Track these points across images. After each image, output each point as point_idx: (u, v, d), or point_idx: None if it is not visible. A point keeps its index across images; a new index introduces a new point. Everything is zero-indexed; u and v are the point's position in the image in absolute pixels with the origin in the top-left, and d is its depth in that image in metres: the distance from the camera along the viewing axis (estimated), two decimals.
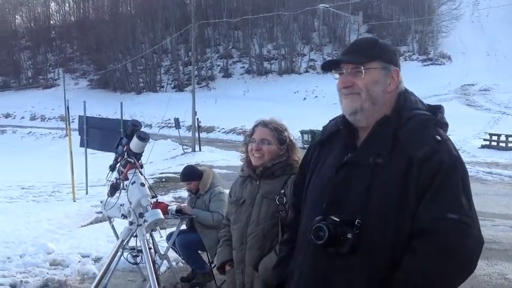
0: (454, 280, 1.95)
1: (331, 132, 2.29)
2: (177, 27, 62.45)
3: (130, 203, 4.21)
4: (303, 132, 27.90)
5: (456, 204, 1.91)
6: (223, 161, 20.71)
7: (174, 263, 6.77)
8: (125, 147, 4.26)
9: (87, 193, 14.55)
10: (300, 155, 3.09)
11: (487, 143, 25.12)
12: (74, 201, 13.24)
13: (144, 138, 4.20)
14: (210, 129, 41.08)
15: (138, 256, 4.70)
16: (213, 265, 5.79)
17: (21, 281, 6.10)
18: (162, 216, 4.23)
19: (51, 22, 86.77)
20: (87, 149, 14.41)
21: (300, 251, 2.21)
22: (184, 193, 11.57)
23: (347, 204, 2.01)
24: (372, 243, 1.95)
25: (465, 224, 1.90)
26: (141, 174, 4.26)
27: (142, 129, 4.36)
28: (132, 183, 4.19)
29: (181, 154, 25.94)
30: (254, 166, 3.19)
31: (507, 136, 24.65)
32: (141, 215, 4.17)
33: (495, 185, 14.97)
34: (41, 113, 63.15)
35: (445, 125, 2.11)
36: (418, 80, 46.06)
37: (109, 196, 4.57)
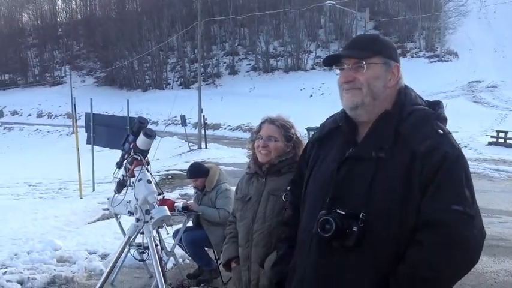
0: (460, 271, 1.98)
1: (330, 129, 2.30)
2: (183, 24, 62.47)
3: (137, 200, 4.22)
4: (309, 129, 27.79)
5: (460, 196, 1.93)
6: (230, 158, 20.71)
7: (180, 260, 6.79)
8: (132, 144, 4.26)
9: (93, 190, 14.59)
10: None
11: (494, 140, 24.99)
12: (81, 198, 13.27)
13: (151, 135, 4.20)
14: (216, 127, 41.09)
15: (145, 253, 4.71)
16: (219, 262, 5.80)
17: (29, 277, 6.13)
18: (168, 213, 4.23)
19: (58, 20, 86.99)
20: (94, 146, 14.45)
21: (302, 248, 2.20)
22: (190, 190, 11.59)
23: (351, 198, 2.02)
24: (377, 237, 1.96)
25: (469, 215, 1.92)
26: (148, 171, 4.27)
27: (149, 126, 4.37)
28: (139, 180, 4.20)
29: (188, 151, 25.96)
30: (260, 163, 3.18)
31: None
32: (147, 212, 4.18)
33: (502, 182, 14.91)
34: (47, 111, 63.33)
35: (444, 120, 2.14)
36: (425, 77, 46.02)
37: (116, 193, 4.59)
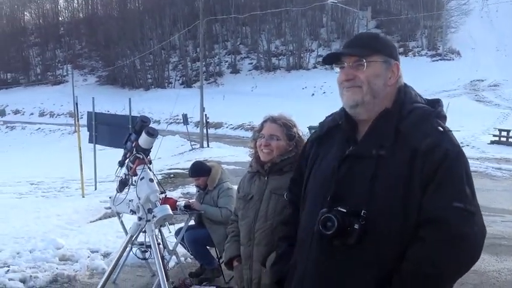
0: (462, 268, 1.99)
1: (329, 127, 2.31)
2: (185, 23, 62.39)
3: (139, 199, 4.23)
4: (311, 128, 27.71)
5: (461, 193, 1.95)
6: (231, 157, 20.71)
7: (182, 259, 6.80)
8: (134, 143, 4.28)
9: (96, 189, 14.61)
10: None
11: (497, 138, 24.93)
12: (83, 196, 13.30)
13: (153, 134, 4.21)
14: (218, 125, 41.05)
15: (147, 251, 4.73)
16: (221, 261, 5.81)
17: (31, 276, 6.14)
18: (170, 211, 4.24)
19: (60, 19, 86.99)
20: (96, 145, 14.46)
21: (303, 247, 2.20)
22: (192, 189, 11.59)
23: (352, 196, 2.03)
24: (378, 234, 1.97)
25: (470, 212, 1.94)
26: (150, 169, 4.28)
27: (151, 125, 4.38)
28: (141, 179, 4.21)
29: (190, 150, 25.94)
30: (262, 162, 3.19)
31: None
32: (149, 211, 4.19)
33: (504, 181, 14.89)
34: (49, 109, 63.31)
35: (444, 118, 2.15)
36: (427, 76, 45.94)
37: (118, 192, 4.60)
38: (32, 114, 63.21)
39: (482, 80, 47.76)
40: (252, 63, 65.86)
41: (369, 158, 2.04)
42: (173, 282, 5.52)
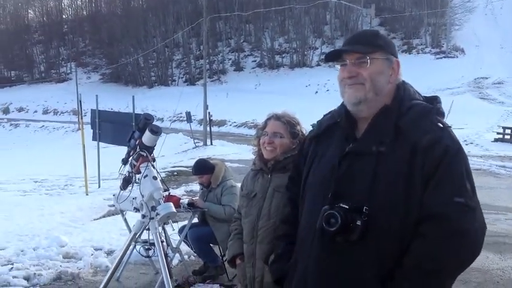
0: (462, 263, 2.00)
1: (327, 125, 2.32)
2: (188, 20, 62.35)
3: (143, 196, 4.24)
4: (314, 126, 27.81)
5: (462, 189, 1.97)
6: (235, 155, 20.71)
7: (186, 256, 6.81)
8: (137, 141, 4.28)
9: (99, 186, 14.63)
10: None
11: (500, 136, 24.84)
12: (87, 194, 13.32)
13: (157, 131, 4.21)
14: (221, 123, 41.04)
15: (151, 249, 4.73)
16: (225, 258, 5.81)
17: (35, 273, 6.16)
18: (174, 209, 4.25)
19: (64, 16, 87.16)
20: (100, 143, 14.48)
21: (304, 245, 2.21)
22: (196, 187, 11.60)
23: (353, 192, 2.04)
24: (380, 230, 1.98)
25: (471, 207, 1.96)
26: (154, 167, 4.28)
27: (154, 122, 4.38)
28: (145, 177, 4.22)
29: (193, 148, 25.96)
30: (266, 159, 3.18)
31: None
32: (153, 208, 4.20)
33: (508, 179, 14.83)
34: (53, 107, 63.41)
35: (442, 115, 2.17)
36: (431, 73, 45.85)
37: (121, 189, 4.61)
38: (35, 111, 63.31)
39: (487, 78, 47.61)
40: (255, 61, 65.82)
41: (369, 154, 2.05)
42: (177, 280, 5.52)
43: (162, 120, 43.41)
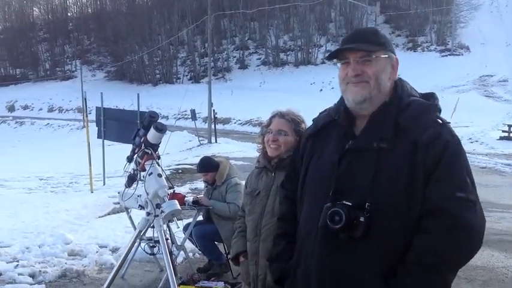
0: (464, 257, 2.02)
1: (324, 123, 2.32)
2: (193, 18, 62.39)
3: (148, 194, 4.24)
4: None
5: (463, 183, 1.99)
6: (239, 153, 20.72)
7: (190, 254, 6.81)
8: (142, 139, 4.28)
9: (104, 184, 14.67)
10: None
11: (506, 134, 24.76)
12: (92, 192, 13.36)
13: (162, 129, 4.22)
14: (226, 121, 41.06)
15: (155, 247, 4.73)
16: (229, 256, 5.81)
17: (40, 270, 6.18)
18: (179, 207, 4.25)
19: (69, 14, 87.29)
20: (105, 141, 14.51)
21: (306, 243, 2.20)
22: (200, 184, 11.61)
23: (354, 189, 2.05)
24: (383, 226, 1.99)
25: (472, 202, 1.98)
26: (158, 165, 4.29)
27: (159, 120, 4.38)
28: (150, 174, 4.22)
29: (198, 145, 25.98)
30: (270, 157, 3.17)
31: None
32: (158, 206, 4.20)
33: None
34: (58, 105, 63.52)
35: (439, 111, 2.18)
36: (436, 71, 45.75)
37: (126, 187, 4.61)
38: (40, 109, 63.44)
39: (492, 76, 47.44)
40: (260, 59, 65.78)
41: (370, 151, 2.06)
42: (181, 277, 5.53)
43: (166, 118, 43.47)
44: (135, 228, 5.44)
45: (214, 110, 26.91)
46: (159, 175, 4.23)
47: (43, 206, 10.68)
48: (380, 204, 1.98)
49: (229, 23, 71.92)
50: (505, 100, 38.38)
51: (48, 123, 50.63)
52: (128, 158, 4.45)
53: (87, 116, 15.15)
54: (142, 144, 4.28)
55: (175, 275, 4.31)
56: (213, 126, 26.80)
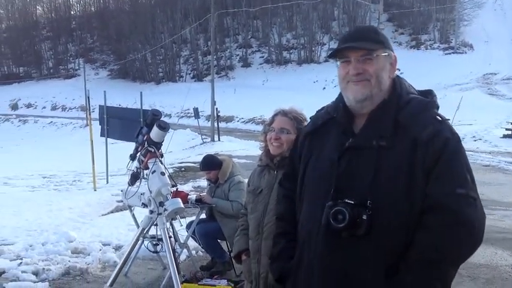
0: (465, 253, 2.03)
1: (323, 121, 2.31)
2: (196, 16, 62.36)
3: (151, 192, 4.25)
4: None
5: (463, 180, 1.99)
6: (242, 151, 20.72)
7: (193, 252, 6.82)
8: (145, 137, 4.29)
9: (107, 182, 14.68)
10: None
11: (509, 132, 24.70)
12: (95, 190, 13.38)
13: (165, 127, 4.22)
14: (229, 119, 41.07)
15: (159, 245, 4.75)
16: (232, 254, 5.82)
17: (44, 268, 6.19)
18: (182, 205, 4.26)
19: (72, 12, 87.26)
20: (108, 139, 14.53)
21: (307, 242, 2.19)
22: (203, 182, 11.62)
23: (355, 187, 2.05)
24: (385, 224, 1.99)
25: (472, 198, 1.98)
26: (161, 163, 4.29)
27: (162, 118, 4.39)
28: (153, 172, 4.23)
29: (201, 144, 25.99)
30: (272, 155, 3.18)
31: None
32: (161, 204, 4.21)
33: None
34: (61, 103, 63.61)
35: (438, 108, 2.18)
36: (440, 69, 45.65)
37: (129, 185, 4.62)
38: (44, 107, 63.53)
39: (495, 74, 47.32)
40: (263, 57, 65.71)
41: (370, 148, 2.06)
42: (184, 275, 5.54)
43: (169, 116, 43.48)
44: (138, 226, 5.45)
45: (217, 108, 26.91)
46: (162, 173, 4.23)
47: (46, 204, 10.70)
48: (381, 202, 1.98)
49: (232, 21, 71.86)
50: (509, 98, 38.25)
51: (51, 122, 50.71)
52: (131, 156, 4.46)
53: (90, 114, 15.17)
54: (146, 143, 4.28)
55: (179, 272, 4.32)
56: (216, 124, 26.80)
